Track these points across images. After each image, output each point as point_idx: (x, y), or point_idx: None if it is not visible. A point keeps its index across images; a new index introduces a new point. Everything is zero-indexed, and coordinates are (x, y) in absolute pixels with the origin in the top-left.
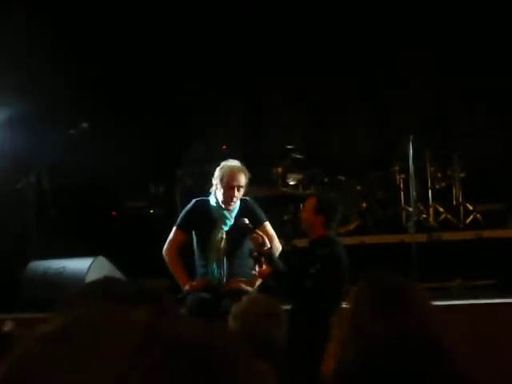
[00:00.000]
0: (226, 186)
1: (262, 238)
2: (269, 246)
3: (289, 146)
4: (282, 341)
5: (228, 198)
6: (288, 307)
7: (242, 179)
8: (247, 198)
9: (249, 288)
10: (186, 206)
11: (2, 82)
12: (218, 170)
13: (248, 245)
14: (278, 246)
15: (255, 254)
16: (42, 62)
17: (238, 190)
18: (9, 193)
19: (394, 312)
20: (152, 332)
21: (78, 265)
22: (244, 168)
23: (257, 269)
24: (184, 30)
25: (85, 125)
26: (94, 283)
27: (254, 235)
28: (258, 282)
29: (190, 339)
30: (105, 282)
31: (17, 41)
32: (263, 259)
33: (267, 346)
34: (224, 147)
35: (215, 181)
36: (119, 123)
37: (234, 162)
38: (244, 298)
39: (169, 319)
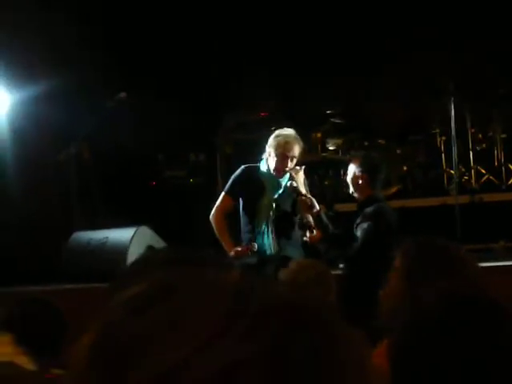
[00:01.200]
0: (279, 155)
1: (311, 200)
2: (318, 208)
3: (328, 111)
4: (332, 305)
5: (280, 166)
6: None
7: (297, 149)
8: (297, 167)
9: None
10: (226, 173)
11: (40, 55)
12: (272, 137)
13: (296, 214)
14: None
15: (304, 220)
16: (80, 36)
17: (291, 160)
18: (50, 165)
19: (448, 273)
20: (246, 292)
21: (121, 235)
22: (299, 138)
23: (308, 235)
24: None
25: (122, 95)
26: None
27: (303, 198)
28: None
29: (286, 299)
30: (168, 251)
31: (53, 16)
32: (313, 224)
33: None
34: (262, 114)
35: (269, 149)
36: (157, 93)
37: (289, 131)
38: (292, 264)
39: (260, 281)
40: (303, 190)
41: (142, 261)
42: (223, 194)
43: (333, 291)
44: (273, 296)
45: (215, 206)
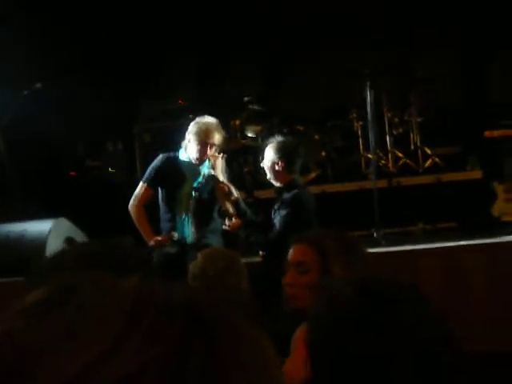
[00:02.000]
0: (199, 143)
1: (229, 187)
2: (236, 195)
3: (246, 98)
4: (245, 293)
5: (201, 154)
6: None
7: (217, 137)
8: (216, 154)
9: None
10: (144, 162)
11: None
12: (192, 125)
13: (215, 202)
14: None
15: (223, 208)
16: None
17: (211, 148)
18: None
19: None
20: (145, 296)
21: (39, 227)
22: (219, 126)
23: (227, 222)
24: None
25: (38, 85)
26: (67, 252)
27: (221, 185)
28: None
29: (184, 299)
30: (78, 251)
31: None
32: (232, 211)
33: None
34: (180, 102)
35: (188, 136)
36: (74, 82)
37: (209, 119)
38: (199, 256)
39: (158, 284)
40: (222, 178)
41: (54, 258)
42: (142, 183)
43: (245, 278)
44: (172, 297)
45: (134, 195)
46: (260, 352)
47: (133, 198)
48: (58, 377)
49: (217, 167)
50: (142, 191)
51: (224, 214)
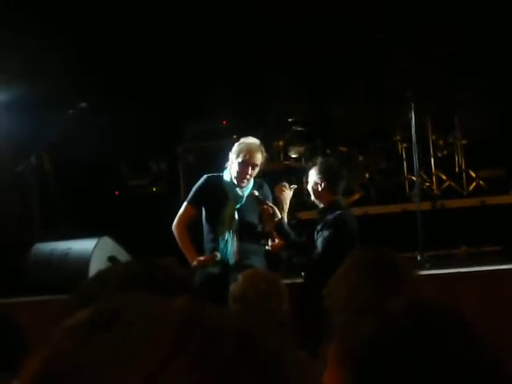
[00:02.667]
0: (241, 163)
1: (273, 209)
2: (279, 216)
3: (289, 119)
4: (286, 314)
5: (242, 174)
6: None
7: (259, 157)
8: (263, 180)
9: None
10: (188, 182)
11: (1, 65)
12: (236, 145)
13: (258, 223)
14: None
15: (265, 229)
16: (41, 45)
17: (253, 168)
18: (10, 177)
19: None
20: (193, 319)
21: (83, 246)
22: (262, 146)
23: (269, 243)
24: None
25: (83, 104)
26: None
27: (265, 206)
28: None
29: (233, 326)
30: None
31: (15, 23)
32: (273, 232)
33: (272, 323)
34: (224, 122)
35: (232, 155)
36: (118, 102)
37: (252, 140)
38: (240, 278)
39: (208, 307)
40: (285, 206)
41: (97, 277)
42: (186, 203)
43: (286, 300)
44: (220, 322)
45: (178, 215)
46: (305, 376)
47: (176, 218)
48: None
49: (285, 198)
50: (185, 211)
51: (265, 235)
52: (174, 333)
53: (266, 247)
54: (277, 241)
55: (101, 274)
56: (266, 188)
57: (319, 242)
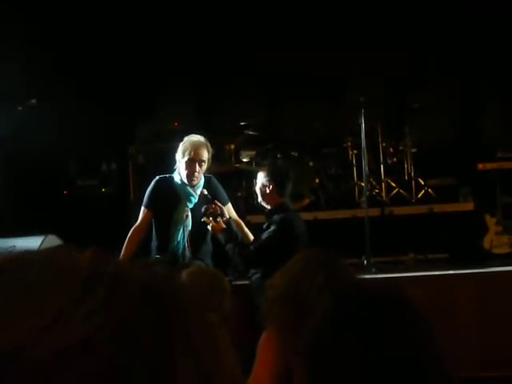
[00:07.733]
0: (187, 161)
1: (221, 208)
2: (227, 216)
3: (241, 123)
4: (229, 311)
5: (190, 172)
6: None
7: (205, 154)
8: (211, 175)
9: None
10: (138, 183)
11: None
12: (180, 144)
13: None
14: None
15: (210, 210)
16: None
17: (200, 165)
18: None
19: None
20: (96, 271)
21: (29, 243)
22: (207, 143)
23: (211, 223)
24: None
25: (33, 101)
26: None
27: (213, 206)
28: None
29: (138, 278)
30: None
31: None
32: (218, 212)
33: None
34: (176, 124)
35: (178, 156)
36: (69, 100)
37: (196, 137)
38: (183, 273)
39: (114, 261)
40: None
41: None
42: (142, 208)
43: (228, 297)
44: (125, 274)
45: (138, 220)
46: (211, 336)
47: (137, 222)
48: (9, 339)
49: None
50: (144, 216)
51: (209, 215)
52: (75, 284)
53: (208, 227)
54: (219, 221)
55: None
56: (214, 182)
57: (262, 236)
